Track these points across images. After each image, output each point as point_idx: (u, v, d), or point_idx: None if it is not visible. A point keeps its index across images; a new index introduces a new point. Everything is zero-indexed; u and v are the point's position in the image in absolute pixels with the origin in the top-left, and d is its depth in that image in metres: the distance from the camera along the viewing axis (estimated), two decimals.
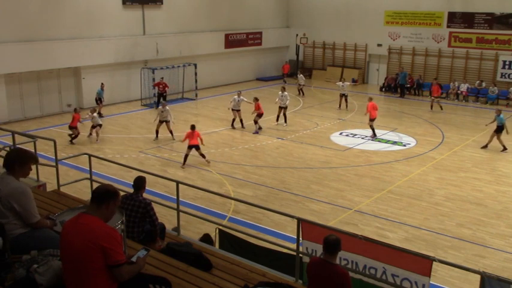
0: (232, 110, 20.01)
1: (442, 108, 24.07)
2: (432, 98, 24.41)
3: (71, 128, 17.68)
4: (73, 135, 17.70)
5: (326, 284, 5.06)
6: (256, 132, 19.52)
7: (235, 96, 20.06)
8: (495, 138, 17.62)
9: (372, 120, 19.14)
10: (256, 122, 19.71)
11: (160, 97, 23.28)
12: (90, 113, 18.17)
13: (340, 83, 24.14)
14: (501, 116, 17.69)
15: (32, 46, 20.62)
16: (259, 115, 19.69)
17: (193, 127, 15.63)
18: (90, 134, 18.29)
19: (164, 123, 18.14)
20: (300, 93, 26.80)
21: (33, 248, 4.77)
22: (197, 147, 15.50)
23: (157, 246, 6.74)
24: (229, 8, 30.13)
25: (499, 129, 17.58)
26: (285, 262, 7.59)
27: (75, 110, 18.09)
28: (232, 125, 20.19)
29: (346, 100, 23.95)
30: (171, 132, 18.27)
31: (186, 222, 10.60)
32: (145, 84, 24.68)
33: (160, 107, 18.70)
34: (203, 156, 15.66)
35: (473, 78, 27.48)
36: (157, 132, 18.32)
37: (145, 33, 25.59)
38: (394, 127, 20.85)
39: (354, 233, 6.64)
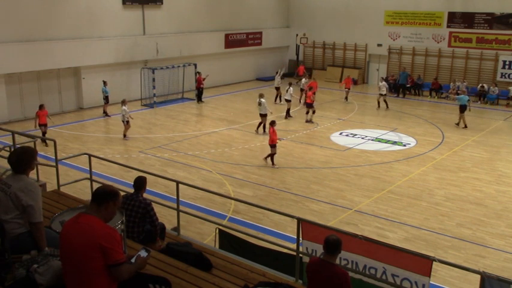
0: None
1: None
2: (346, 89, 25.97)
3: (40, 126, 17.19)
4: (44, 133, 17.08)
5: (325, 284, 5.06)
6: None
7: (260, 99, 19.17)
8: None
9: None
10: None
11: (200, 92, 25.16)
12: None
13: (384, 83, 24.62)
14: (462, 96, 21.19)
15: (32, 46, 20.61)
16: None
17: (271, 123, 15.77)
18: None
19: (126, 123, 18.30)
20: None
21: (33, 248, 4.77)
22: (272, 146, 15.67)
23: (157, 246, 6.75)
24: (229, 8, 30.13)
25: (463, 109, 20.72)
26: (285, 262, 7.58)
27: (41, 106, 17.44)
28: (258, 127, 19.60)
29: (384, 100, 24.32)
30: (124, 135, 18.45)
31: (186, 222, 10.60)
32: (145, 84, 24.69)
33: (125, 107, 18.25)
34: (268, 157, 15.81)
35: (473, 78, 27.49)
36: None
37: (145, 33, 25.59)
38: (394, 127, 20.86)
39: (354, 233, 6.64)
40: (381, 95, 24.25)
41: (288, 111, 22.13)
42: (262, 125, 19.30)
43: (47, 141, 16.40)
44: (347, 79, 26.32)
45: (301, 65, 31.97)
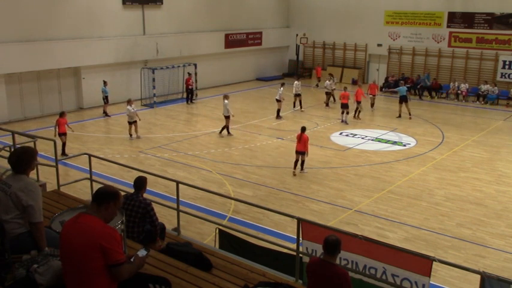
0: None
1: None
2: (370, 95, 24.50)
3: (60, 135, 15.76)
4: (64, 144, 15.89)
5: (326, 284, 5.06)
6: None
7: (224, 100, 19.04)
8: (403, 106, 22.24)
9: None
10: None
11: (190, 93, 25.06)
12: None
13: (326, 81, 24.97)
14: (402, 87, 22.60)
15: (32, 46, 20.62)
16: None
17: (302, 129, 14.99)
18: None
19: (133, 124, 18.24)
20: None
21: (33, 248, 4.77)
22: (302, 153, 14.85)
23: (157, 246, 6.74)
24: (229, 8, 30.14)
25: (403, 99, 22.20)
26: (285, 262, 7.58)
27: (62, 114, 16.17)
28: (221, 130, 19.31)
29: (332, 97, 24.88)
30: (136, 132, 18.45)
31: (186, 222, 10.60)
32: (145, 84, 24.69)
33: (129, 107, 18.18)
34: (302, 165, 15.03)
35: (474, 78, 27.50)
36: (131, 134, 18.44)
37: (145, 33, 25.60)
38: (394, 127, 20.86)
39: (354, 233, 6.64)
40: (327, 93, 24.75)
41: (278, 111, 21.88)
42: (225, 127, 18.94)
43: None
44: (372, 85, 24.56)
45: (318, 66, 31.80)
